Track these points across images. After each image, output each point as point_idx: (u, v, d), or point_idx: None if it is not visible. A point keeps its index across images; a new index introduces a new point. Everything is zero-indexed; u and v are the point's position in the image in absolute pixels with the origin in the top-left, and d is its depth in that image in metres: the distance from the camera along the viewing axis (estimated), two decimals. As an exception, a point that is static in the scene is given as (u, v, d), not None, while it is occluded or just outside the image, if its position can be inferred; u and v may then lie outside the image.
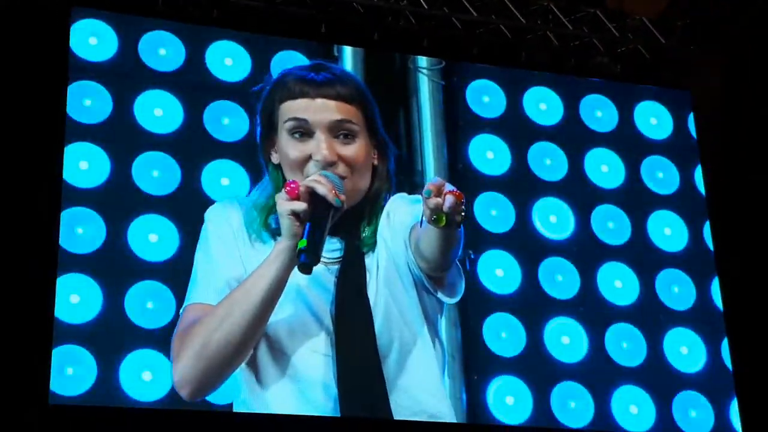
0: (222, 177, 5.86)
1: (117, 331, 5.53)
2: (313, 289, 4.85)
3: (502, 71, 6.72)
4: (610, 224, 6.47)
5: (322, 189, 4.43)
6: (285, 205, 4.43)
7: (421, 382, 4.87)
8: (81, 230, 5.63)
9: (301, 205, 4.40)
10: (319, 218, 4.40)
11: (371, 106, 5.10)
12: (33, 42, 6.01)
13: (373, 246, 4.92)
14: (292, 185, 4.45)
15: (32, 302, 5.57)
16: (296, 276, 4.63)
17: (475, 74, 6.61)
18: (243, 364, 4.80)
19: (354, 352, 4.82)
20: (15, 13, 6.07)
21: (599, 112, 6.77)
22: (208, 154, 5.91)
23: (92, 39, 5.98)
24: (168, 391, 5.43)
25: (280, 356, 4.79)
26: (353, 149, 4.91)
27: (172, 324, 5.26)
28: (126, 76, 5.96)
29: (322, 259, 4.59)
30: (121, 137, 5.84)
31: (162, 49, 6.08)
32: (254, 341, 4.69)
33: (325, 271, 4.86)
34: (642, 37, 7.14)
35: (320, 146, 4.86)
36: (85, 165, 5.73)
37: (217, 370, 4.66)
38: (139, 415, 5.48)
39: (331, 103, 4.97)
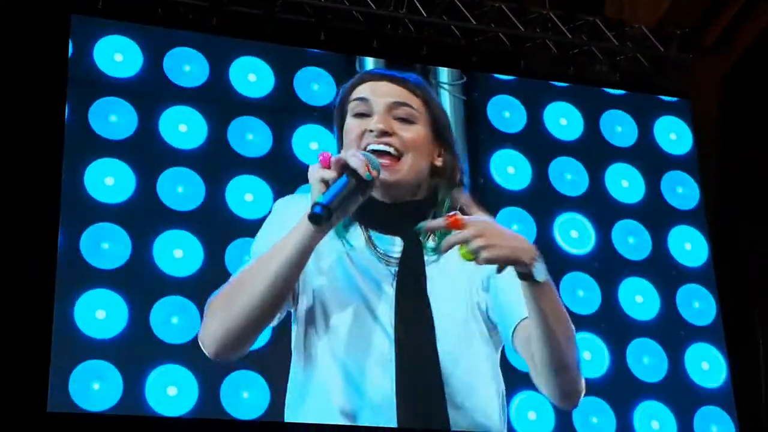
0: (246, 193, 5.90)
1: (142, 346, 5.55)
2: (373, 288, 4.80)
3: (523, 86, 6.76)
4: (631, 239, 6.51)
5: (355, 161, 4.31)
6: (315, 172, 4.30)
7: (480, 403, 4.85)
8: (107, 245, 5.64)
9: (330, 173, 4.27)
10: (347, 188, 4.26)
11: (437, 108, 5.08)
12: (30, 48, 6.04)
13: (436, 252, 4.91)
14: (324, 155, 4.34)
15: (32, 312, 5.60)
16: (355, 273, 4.61)
17: (496, 89, 6.66)
18: (301, 363, 4.77)
19: (415, 363, 4.76)
20: (12, 21, 6.09)
21: (619, 127, 6.82)
22: (232, 169, 5.95)
23: (118, 55, 6.00)
24: (193, 407, 5.48)
25: (338, 357, 4.75)
26: (410, 131, 4.88)
27: (197, 339, 5.30)
28: (151, 92, 5.99)
29: (380, 255, 4.61)
30: (146, 153, 5.87)
31: (186, 66, 6.10)
32: (278, 305, 4.47)
33: (384, 269, 4.84)
34: (641, 46, 7.17)
35: (376, 119, 4.86)
36: (110, 181, 5.75)
37: (240, 332, 4.46)
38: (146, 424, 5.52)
39: (395, 87, 4.97)
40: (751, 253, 6.97)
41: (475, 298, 4.76)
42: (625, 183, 6.65)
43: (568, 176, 6.57)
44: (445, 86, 6.50)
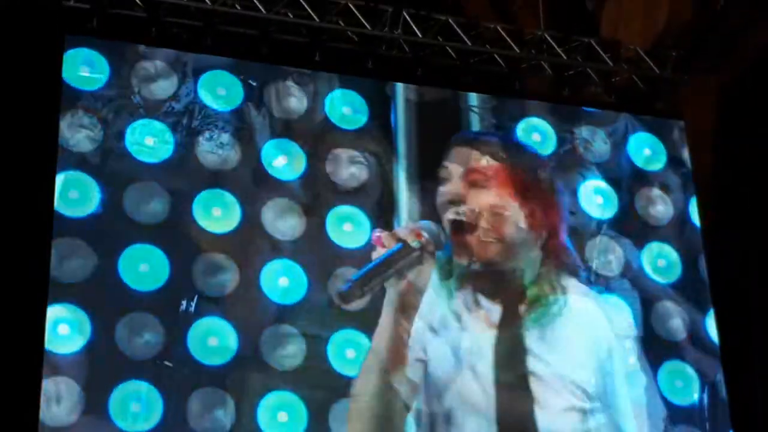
0: (214, 207, 5.87)
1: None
2: (475, 351, 5.17)
3: (552, 109, 6.77)
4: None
5: (403, 232, 4.87)
6: (373, 255, 4.82)
7: None
8: (70, 260, 5.59)
9: (381, 251, 4.83)
10: (396, 259, 4.80)
11: (521, 167, 5.24)
12: (25, 72, 6.02)
13: (535, 323, 5.11)
14: (376, 234, 4.90)
15: (23, 330, 5.58)
16: (459, 337, 5.11)
17: (524, 112, 6.67)
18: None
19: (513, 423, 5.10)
20: (8, 41, 6.09)
21: (647, 150, 6.84)
22: (201, 183, 5.92)
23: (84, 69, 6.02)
24: (158, 423, 5.44)
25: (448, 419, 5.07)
26: (483, 196, 5.09)
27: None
28: (118, 105, 5.98)
29: (484, 318, 5.00)
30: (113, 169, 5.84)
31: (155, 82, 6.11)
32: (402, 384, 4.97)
33: (487, 331, 5.17)
34: (636, 67, 7.13)
35: (448, 187, 5.12)
36: (75, 194, 5.71)
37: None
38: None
39: (472, 152, 5.21)
40: (748, 272, 6.91)
41: (575, 376, 4.91)
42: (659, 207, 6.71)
43: (599, 199, 6.53)
44: (476, 110, 6.53)
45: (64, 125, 5.84)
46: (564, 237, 5.51)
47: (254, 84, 6.22)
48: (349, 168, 5.88)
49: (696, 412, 6.24)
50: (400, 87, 6.39)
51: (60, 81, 5.97)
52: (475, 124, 6.44)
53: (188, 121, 6.04)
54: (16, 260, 5.69)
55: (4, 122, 5.93)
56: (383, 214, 5.87)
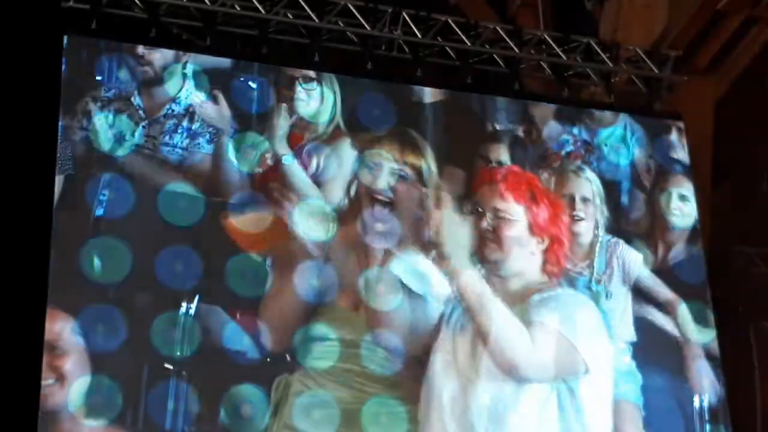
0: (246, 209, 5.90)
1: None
2: None
3: (557, 111, 6.82)
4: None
5: None
6: None
7: None
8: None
9: None
10: None
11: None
12: (24, 72, 6.08)
13: None
14: None
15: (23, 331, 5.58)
16: None
17: (547, 115, 6.74)
18: None
19: None
20: (7, 41, 6.10)
21: (656, 154, 6.87)
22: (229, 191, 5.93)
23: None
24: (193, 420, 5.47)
25: None
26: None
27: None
28: (117, 107, 5.96)
29: None
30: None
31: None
32: None
33: None
34: (635, 67, 7.14)
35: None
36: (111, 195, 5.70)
37: None
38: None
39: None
40: (745, 274, 6.99)
41: None
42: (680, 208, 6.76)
43: (611, 204, 6.58)
44: (502, 113, 6.62)
45: (96, 124, 5.86)
46: (567, 243, 5.58)
47: (274, 86, 6.25)
48: (385, 175, 5.90)
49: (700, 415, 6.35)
50: (428, 92, 6.45)
51: (59, 81, 5.93)
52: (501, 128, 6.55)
53: (188, 123, 6.00)
54: (16, 260, 5.71)
55: (3, 122, 5.89)
56: (416, 221, 5.92)
